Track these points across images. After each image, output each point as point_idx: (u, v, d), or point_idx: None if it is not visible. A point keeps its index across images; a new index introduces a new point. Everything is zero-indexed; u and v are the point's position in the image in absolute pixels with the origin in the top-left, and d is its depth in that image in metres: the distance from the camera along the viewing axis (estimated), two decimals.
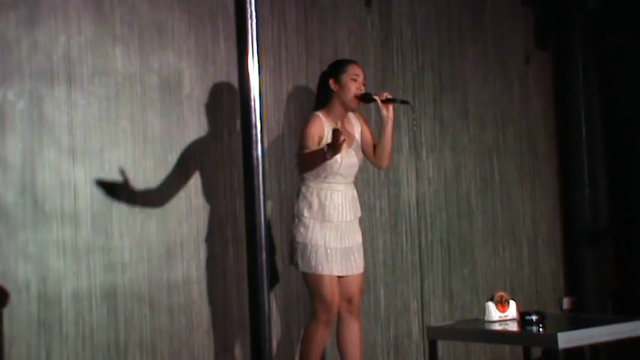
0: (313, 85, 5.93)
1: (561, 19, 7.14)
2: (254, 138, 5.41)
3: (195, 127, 5.52)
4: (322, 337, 5.16)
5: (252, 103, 5.43)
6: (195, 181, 5.49)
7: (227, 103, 5.61)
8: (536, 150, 7.12)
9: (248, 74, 5.45)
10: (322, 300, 5.11)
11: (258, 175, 5.41)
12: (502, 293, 5.01)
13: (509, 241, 6.90)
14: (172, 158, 5.43)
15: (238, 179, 5.55)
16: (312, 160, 5.10)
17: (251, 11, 5.45)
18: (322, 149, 4.98)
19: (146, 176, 5.33)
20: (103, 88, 5.23)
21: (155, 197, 5.36)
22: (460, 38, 6.76)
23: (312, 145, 5.12)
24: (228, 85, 5.62)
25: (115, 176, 5.23)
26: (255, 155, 5.41)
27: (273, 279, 5.38)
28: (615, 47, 7.08)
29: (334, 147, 4.88)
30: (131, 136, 5.31)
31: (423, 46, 6.54)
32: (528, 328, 4.75)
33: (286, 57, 5.90)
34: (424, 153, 6.50)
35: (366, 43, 6.26)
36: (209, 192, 5.54)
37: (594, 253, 7.07)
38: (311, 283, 5.15)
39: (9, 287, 4.88)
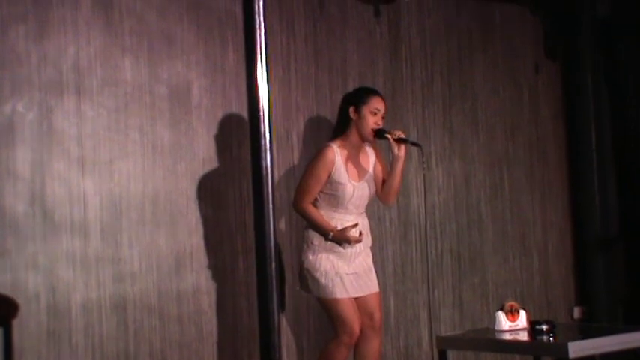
0: (322, 96, 5.96)
1: (570, 28, 7.13)
2: (263, 148, 5.43)
3: (204, 137, 5.52)
4: (343, 356, 5.13)
5: (261, 113, 5.46)
6: (204, 191, 5.49)
7: (236, 113, 5.62)
8: (545, 159, 7.11)
9: (257, 84, 5.48)
10: (343, 323, 5.07)
11: (267, 184, 5.43)
12: (512, 302, 5.00)
13: (519, 250, 6.89)
14: (181, 168, 5.44)
15: (247, 189, 5.56)
16: (313, 225, 5.15)
17: (259, 22, 5.48)
18: (329, 231, 5.07)
19: (155, 187, 5.34)
20: (112, 99, 5.25)
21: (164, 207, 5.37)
22: (469, 48, 6.76)
23: (316, 184, 5.10)
24: (237, 95, 5.62)
25: (124, 187, 5.24)
26: (264, 165, 5.43)
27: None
28: (624, 55, 7.08)
29: (343, 239, 5.08)
30: (140, 147, 5.32)
31: (432, 55, 6.54)
32: (539, 337, 4.73)
33: (295, 67, 5.91)
34: (433, 162, 6.50)
35: (375, 52, 6.26)
36: (218, 202, 5.54)
37: (605, 261, 7.05)
38: (329, 308, 5.11)
39: (19, 298, 4.89)
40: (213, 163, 5.54)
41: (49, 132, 5.05)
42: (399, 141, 5.13)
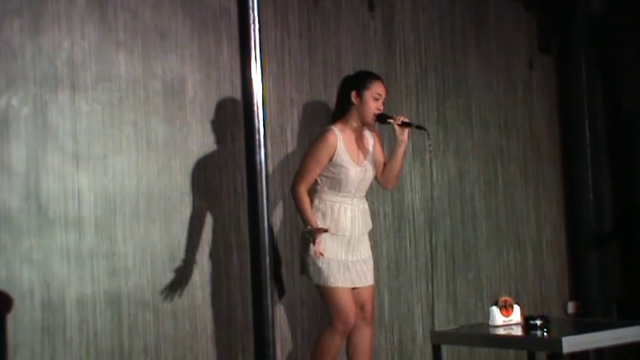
0: (316, 90, 5.96)
1: (565, 24, 7.13)
2: (257, 143, 5.43)
3: (198, 132, 5.52)
4: (337, 346, 5.15)
5: (255, 108, 5.46)
6: (198, 186, 5.49)
7: (230, 108, 5.62)
8: (540, 154, 7.11)
9: (251, 79, 5.48)
10: (338, 311, 5.10)
11: (261, 179, 5.43)
12: (506, 297, 5.01)
13: (513, 246, 6.89)
14: (176, 164, 5.43)
15: (242, 184, 5.56)
16: (299, 210, 5.16)
17: (254, 16, 5.47)
18: (310, 224, 5.06)
19: (150, 182, 5.34)
20: (107, 94, 5.24)
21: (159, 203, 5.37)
22: (463, 43, 6.75)
23: (316, 167, 5.10)
24: (231, 91, 5.62)
25: (118, 182, 5.23)
26: (258, 160, 5.43)
27: (280, 292, 5.38)
28: (619, 51, 7.08)
29: (312, 237, 5.05)
30: (134, 142, 5.31)
31: (426, 50, 6.54)
32: (533, 332, 4.74)
33: (289, 62, 5.90)
34: (427, 157, 6.49)
35: (369, 47, 6.26)
36: (213, 197, 5.54)
37: (599, 257, 7.06)
38: (325, 295, 5.14)
39: (13, 293, 4.88)
40: (207, 158, 5.54)
41: (43, 127, 5.04)
42: (404, 125, 5.14)
